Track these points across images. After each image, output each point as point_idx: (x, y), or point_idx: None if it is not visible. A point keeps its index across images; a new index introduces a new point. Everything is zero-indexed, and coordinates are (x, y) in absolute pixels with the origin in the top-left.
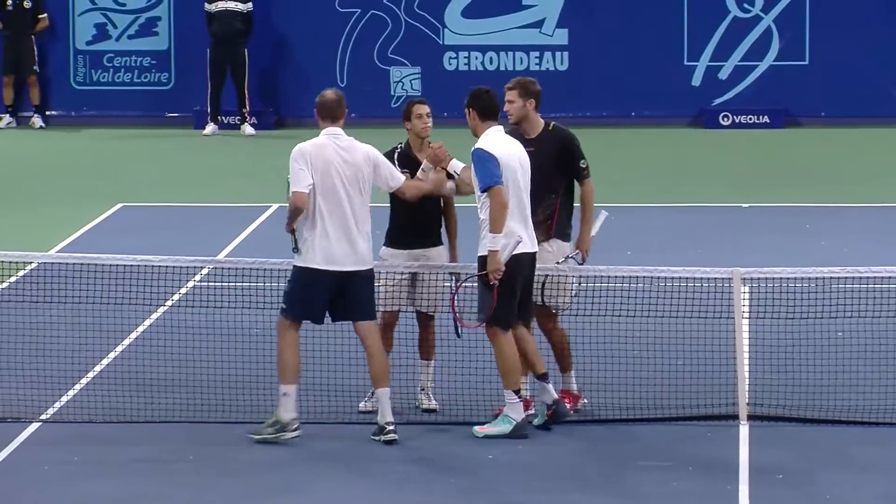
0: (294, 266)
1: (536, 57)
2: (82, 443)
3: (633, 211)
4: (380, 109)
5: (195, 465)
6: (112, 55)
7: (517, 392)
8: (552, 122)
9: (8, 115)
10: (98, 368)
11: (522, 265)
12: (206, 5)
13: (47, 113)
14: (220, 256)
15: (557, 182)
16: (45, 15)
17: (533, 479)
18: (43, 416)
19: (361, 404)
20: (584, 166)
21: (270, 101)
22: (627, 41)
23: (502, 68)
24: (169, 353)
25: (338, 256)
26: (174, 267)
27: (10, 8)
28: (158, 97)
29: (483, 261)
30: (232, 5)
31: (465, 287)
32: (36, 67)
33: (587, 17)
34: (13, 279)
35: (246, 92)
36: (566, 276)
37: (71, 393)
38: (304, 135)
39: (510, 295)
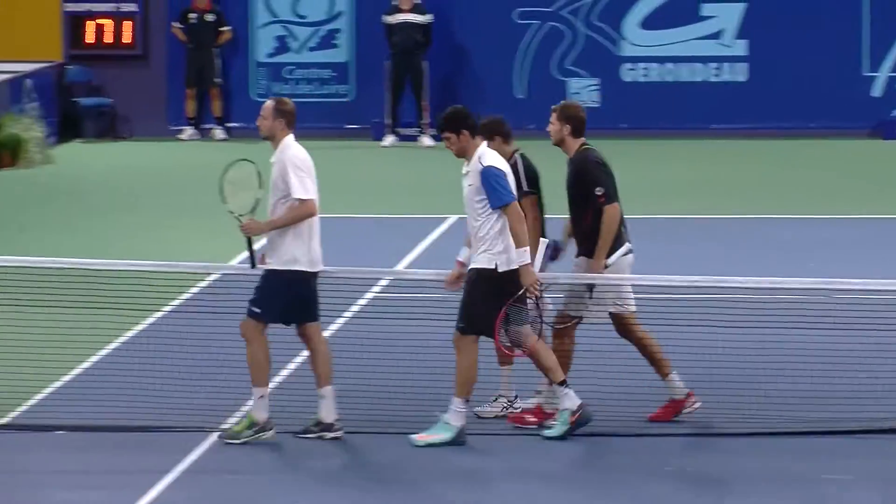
0: (276, 270)
1: (715, 68)
2: (261, 453)
3: (816, 222)
4: None
5: (372, 478)
6: (292, 67)
7: (467, 401)
8: (584, 147)
9: (191, 127)
10: (278, 379)
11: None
12: (386, 17)
13: (228, 125)
14: (399, 267)
15: (581, 204)
16: (229, 28)
17: (713, 491)
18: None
19: (479, 408)
20: (599, 193)
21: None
22: (807, 52)
23: (680, 80)
24: (348, 363)
25: (319, 257)
26: (353, 278)
27: (193, 21)
28: (338, 109)
29: (480, 273)
30: (412, 17)
31: None
32: (218, 80)
33: (767, 27)
34: (195, 290)
35: (425, 103)
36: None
37: (251, 403)
38: None
39: (490, 308)
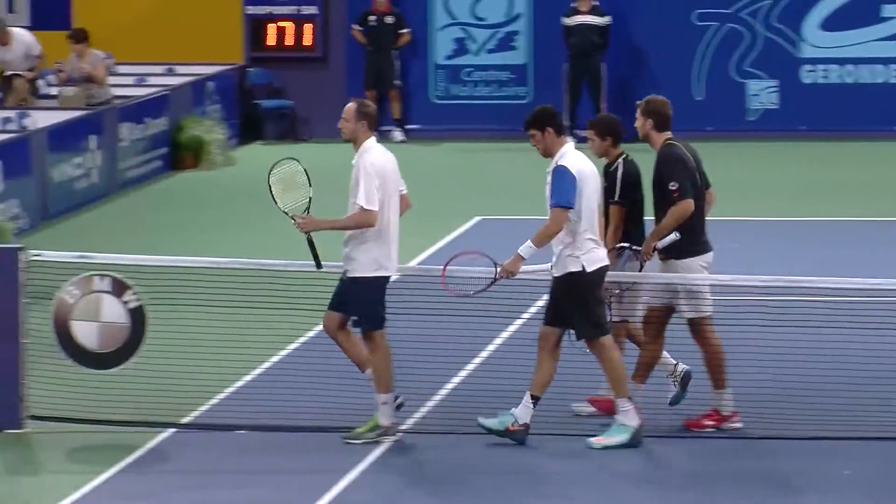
0: (366, 277)
1: None
2: (442, 454)
3: None
4: (734, 123)
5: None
6: (471, 69)
7: (629, 398)
8: (668, 142)
9: None
10: (456, 380)
11: (601, 278)
12: (564, 19)
13: (407, 127)
14: None
15: (661, 200)
16: (408, 30)
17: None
18: (403, 427)
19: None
20: (672, 188)
21: (627, 115)
22: None
23: (860, 81)
24: (524, 365)
25: (396, 262)
26: (532, 280)
27: (372, 24)
28: (516, 111)
29: (571, 278)
30: (589, 19)
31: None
32: (397, 82)
33: None
34: None
35: (602, 105)
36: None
37: (430, 404)
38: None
39: (601, 305)
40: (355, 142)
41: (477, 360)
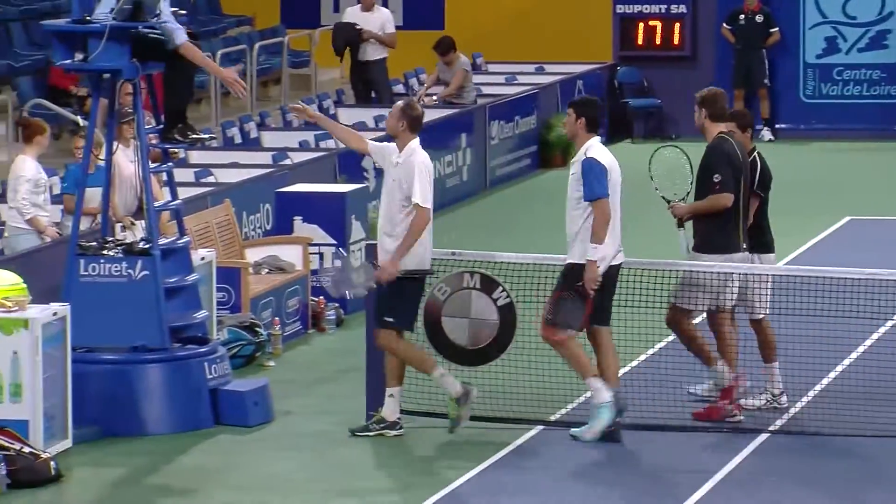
0: (405, 275)
1: None
2: (809, 454)
3: None
4: None
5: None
6: (841, 68)
7: (595, 376)
8: (721, 135)
9: None
10: (825, 381)
11: (613, 276)
12: None
13: (776, 126)
14: None
15: (701, 192)
16: (777, 29)
17: None
18: (771, 428)
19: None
20: (715, 181)
21: None
22: None
23: None
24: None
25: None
26: None
27: (742, 22)
28: (888, 111)
29: (572, 268)
30: None
31: None
32: (766, 80)
33: None
34: None
35: None
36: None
37: (799, 405)
38: None
39: (583, 302)
40: (396, 140)
41: (847, 361)
